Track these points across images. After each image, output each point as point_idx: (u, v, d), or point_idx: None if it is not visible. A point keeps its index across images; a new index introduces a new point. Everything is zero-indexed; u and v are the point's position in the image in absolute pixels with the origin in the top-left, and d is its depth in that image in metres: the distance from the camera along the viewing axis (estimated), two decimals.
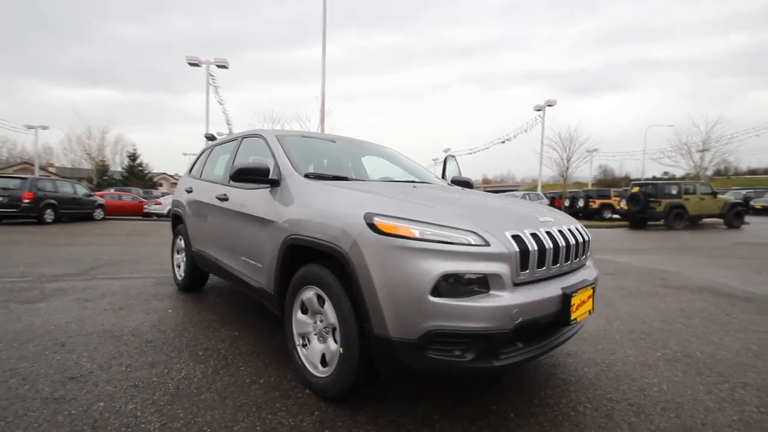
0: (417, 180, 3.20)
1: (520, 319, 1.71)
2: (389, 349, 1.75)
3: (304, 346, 2.26)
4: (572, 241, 2.11)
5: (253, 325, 3.21)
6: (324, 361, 2.10)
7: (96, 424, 1.81)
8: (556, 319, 1.89)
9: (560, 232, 2.07)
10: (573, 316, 1.93)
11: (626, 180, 47.97)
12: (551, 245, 1.94)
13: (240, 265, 2.92)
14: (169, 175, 74.79)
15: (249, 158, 3.43)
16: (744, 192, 23.81)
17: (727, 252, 8.22)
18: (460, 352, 1.70)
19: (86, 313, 3.41)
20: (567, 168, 23.10)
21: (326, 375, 2.06)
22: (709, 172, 34.18)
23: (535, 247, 1.86)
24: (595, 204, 19.98)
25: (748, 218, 16.04)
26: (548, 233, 1.99)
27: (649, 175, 45.62)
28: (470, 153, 37.61)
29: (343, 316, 1.92)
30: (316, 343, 2.17)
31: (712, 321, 3.52)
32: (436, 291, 1.68)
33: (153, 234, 11.05)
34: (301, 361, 2.24)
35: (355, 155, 3.50)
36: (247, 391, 2.16)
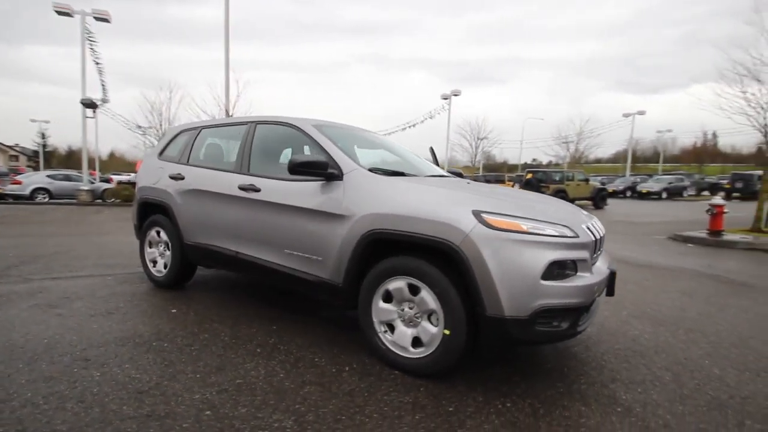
0: (437, 174, 3.46)
1: (597, 294, 2.17)
2: (501, 327, 2.05)
3: (385, 332, 2.42)
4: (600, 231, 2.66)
5: (280, 318, 3.16)
6: (418, 343, 2.30)
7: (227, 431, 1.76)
8: (606, 292, 2.42)
9: (593, 224, 2.59)
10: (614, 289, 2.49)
11: (506, 166, 54.37)
12: (600, 235, 2.45)
13: (283, 259, 2.85)
14: (6, 146, 59.92)
15: (273, 147, 3.29)
16: (599, 178, 29.27)
17: (609, 229, 10.30)
18: (557, 323, 2.10)
19: (71, 322, 2.93)
20: (476, 155, 25.34)
21: (422, 355, 2.27)
22: (568, 160, 41.01)
23: (596, 237, 2.34)
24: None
25: (610, 201, 19.98)
26: (593, 225, 2.49)
27: (523, 162, 52.57)
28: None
29: (448, 302, 2.15)
30: (404, 328, 2.35)
31: (641, 286, 4.59)
32: (545, 275, 2.03)
33: (30, 221, 9.16)
34: (386, 346, 2.39)
35: (374, 145, 3.59)
36: (343, 379, 2.25)
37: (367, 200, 2.46)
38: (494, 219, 2.09)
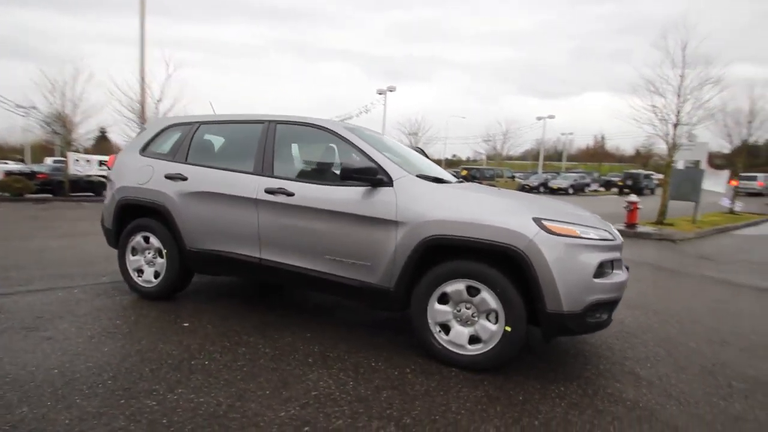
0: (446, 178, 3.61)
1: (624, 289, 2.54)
2: (559, 321, 2.31)
3: (440, 332, 2.54)
4: None
5: (307, 324, 3.09)
6: (475, 340, 2.46)
7: None
8: None
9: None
10: None
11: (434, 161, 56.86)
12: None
13: (322, 265, 2.79)
14: None
15: (301, 150, 3.16)
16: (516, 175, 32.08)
17: None
18: (600, 315, 2.42)
19: (71, 347, 2.55)
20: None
21: (481, 351, 2.44)
22: (484, 157, 44.32)
23: (620, 239, 2.72)
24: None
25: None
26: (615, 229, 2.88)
27: (444, 158, 55.51)
28: None
29: (509, 301, 2.34)
30: (460, 327, 2.50)
31: None
32: (595, 274, 2.32)
33: None
34: (442, 345, 2.52)
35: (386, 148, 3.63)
36: (412, 380, 2.32)
37: (424, 207, 2.53)
38: (553, 225, 2.33)
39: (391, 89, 24.23)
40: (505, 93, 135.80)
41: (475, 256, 2.46)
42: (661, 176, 29.24)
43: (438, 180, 2.89)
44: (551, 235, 2.30)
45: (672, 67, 9.00)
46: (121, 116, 12.55)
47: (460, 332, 2.50)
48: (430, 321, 2.55)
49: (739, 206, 12.59)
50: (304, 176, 2.94)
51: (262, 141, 3.12)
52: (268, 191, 2.93)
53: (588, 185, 28.17)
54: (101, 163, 15.26)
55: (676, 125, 9.03)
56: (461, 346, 2.49)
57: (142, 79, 13.72)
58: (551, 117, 32.31)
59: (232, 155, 3.36)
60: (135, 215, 3.52)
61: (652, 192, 24.43)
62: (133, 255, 3.54)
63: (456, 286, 2.47)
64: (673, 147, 9.21)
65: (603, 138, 57.78)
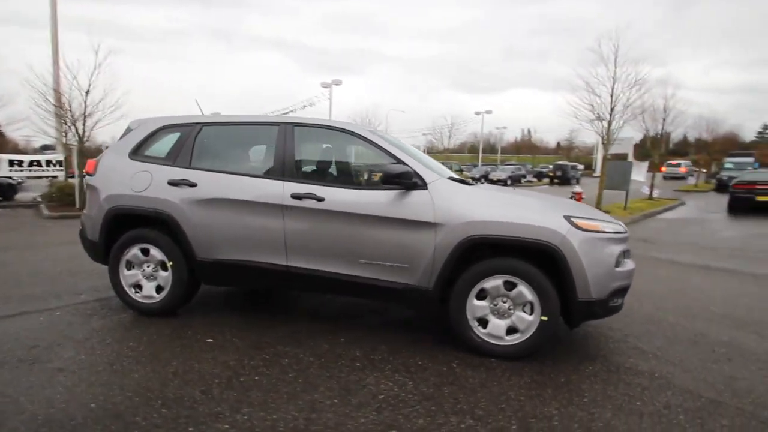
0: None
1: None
2: (588, 307, 2.57)
3: (478, 326, 2.69)
4: None
5: (336, 330, 3.08)
6: (512, 331, 2.65)
7: None
8: None
9: None
10: None
11: None
12: None
13: (357, 269, 2.80)
14: None
15: (324, 153, 3.10)
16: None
17: None
18: (617, 300, 2.72)
19: (92, 377, 2.32)
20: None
21: (518, 341, 2.63)
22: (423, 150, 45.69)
23: None
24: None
25: None
26: None
27: None
28: None
29: (545, 293, 2.56)
30: (497, 320, 2.67)
31: None
32: (616, 264, 2.62)
33: None
34: (481, 338, 2.68)
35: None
36: (462, 375, 2.45)
37: (462, 208, 2.65)
38: (581, 222, 2.58)
39: (337, 83, 23.97)
40: (440, 88, 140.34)
41: (511, 252, 2.64)
42: (582, 167, 32.64)
43: (460, 181, 3.03)
44: (580, 231, 2.55)
45: (606, 71, 10.05)
46: (39, 108, 11.05)
47: (498, 325, 2.67)
48: (469, 316, 2.69)
49: (656, 193, 14.45)
50: (331, 180, 2.91)
51: (280, 144, 3.02)
52: (295, 196, 2.86)
53: (524, 176, 30.30)
54: (12, 163, 13.33)
55: (610, 122, 10.14)
56: (500, 338, 2.66)
57: (56, 63, 12.13)
58: (489, 112, 34.33)
59: (244, 159, 3.20)
60: (129, 226, 3.22)
61: (578, 182, 26.95)
62: (129, 269, 3.24)
63: (494, 282, 2.63)
64: (608, 142, 10.34)
65: (530, 132, 62.34)
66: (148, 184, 3.13)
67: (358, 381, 2.35)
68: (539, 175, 31.35)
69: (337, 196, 2.82)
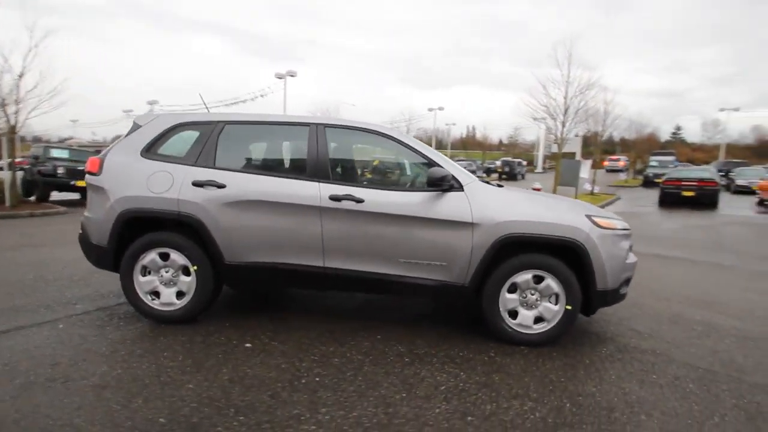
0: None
1: None
2: (604, 296, 2.90)
3: (509, 317, 2.92)
4: None
5: (367, 327, 3.16)
6: (539, 321, 2.91)
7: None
8: None
9: None
10: None
11: None
12: None
13: (397, 268, 2.90)
14: None
15: (358, 155, 3.13)
16: None
17: None
18: (624, 289, 3.09)
19: (141, 390, 2.22)
20: None
21: (545, 329, 2.90)
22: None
23: None
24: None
25: None
26: None
27: None
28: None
29: (570, 285, 2.84)
30: (526, 311, 2.92)
31: None
32: (626, 257, 2.97)
33: None
34: (513, 329, 2.91)
35: None
36: (500, 363, 2.66)
37: (497, 209, 2.85)
38: (599, 220, 2.89)
39: (292, 74, 23.29)
40: (388, 82, 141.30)
41: (539, 249, 2.89)
42: (525, 163, 34.95)
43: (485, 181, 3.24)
44: (599, 229, 2.86)
45: (560, 75, 10.90)
46: None
47: (527, 315, 2.92)
48: (501, 309, 2.91)
49: (596, 189, 15.92)
50: (365, 182, 2.98)
51: (312, 145, 3.01)
52: (334, 198, 2.88)
53: (475, 172, 31.64)
54: None
55: (564, 123, 11.03)
56: (528, 327, 2.92)
57: None
58: (441, 109, 35.31)
59: (274, 160, 3.15)
60: (145, 229, 3.04)
61: (523, 177, 28.76)
62: (144, 276, 3.06)
63: (524, 276, 2.87)
64: (562, 141, 11.25)
65: (474, 129, 65.05)
66: (170, 185, 2.98)
67: (414, 375, 2.47)
68: (488, 171, 32.97)
69: (376, 198, 2.90)
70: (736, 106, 36.59)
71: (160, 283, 3.07)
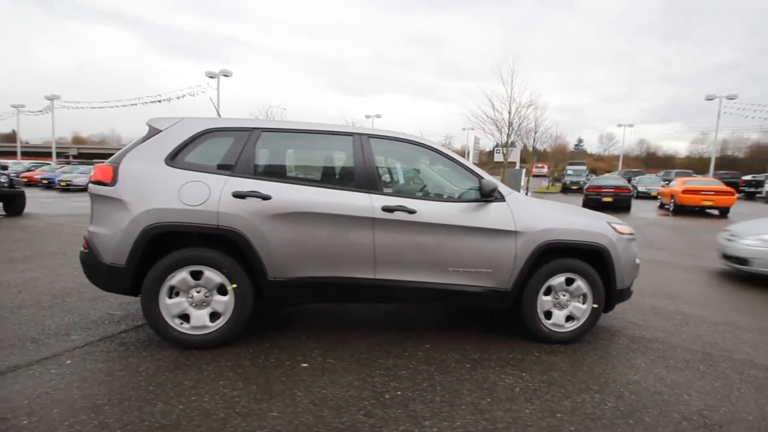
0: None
1: None
2: (621, 293, 3.27)
3: (544, 318, 3.16)
4: None
5: (408, 339, 3.18)
6: (570, 319, 3.18)
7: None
8: None
9: None
10: None
11: None
12: None
13: (445, 277, 2.97)
14: None
15: (405, 166, 3.13)
16: None
17: None
18: (632, 286, 3.50)
19: (224, 427, 2.00)
20: None
21: (575, 327, 3.18)
22: None
23: None
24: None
25: None
26: None
27: None
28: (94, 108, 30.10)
29: (596, 285, 3.16)
30: (558, 312, 3.18)
31: None
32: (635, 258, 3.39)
33: None
34: (548, 328, 3.15)
35: None
36: (548, 361, 2.87)
37: (536, 218, 3.07)
38: (617, 226, 3.26)
39: (227, 74, 21.95)
40: (316, 87, 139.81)
41: (572, 253, 3.17)
42: None
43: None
44: (618, 234, 3.23)
45: (505, 90, 11.88)
46: None
47: (559, 315, 3.18)
48: (538, 310, 3.13)
49: (528, 194, 17.52)
50: (413, 192, 3.00)
51: (358, 156, 2.97)
52: (386, 209, 2.87)
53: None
54: None
55: (509, 135, 12.02)
56: (561, 326, 3.18)
57: None
58: (378, 116, 35.87)
59: (317, 170, 3.03)
60: (173, 246, 2.73)
61: None
62: (172, 297, 2.75)
63: (558, 279, 3.13)
64: (507, 152, 12.22)
65: None
66: (206, 196, 2.72)
67: (484, 380, 2.57)
68: None
69: (430, 209, 2.95)
70: (630, 122, 42.66)
71: (191, 305, 2.78)
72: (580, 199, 16.44)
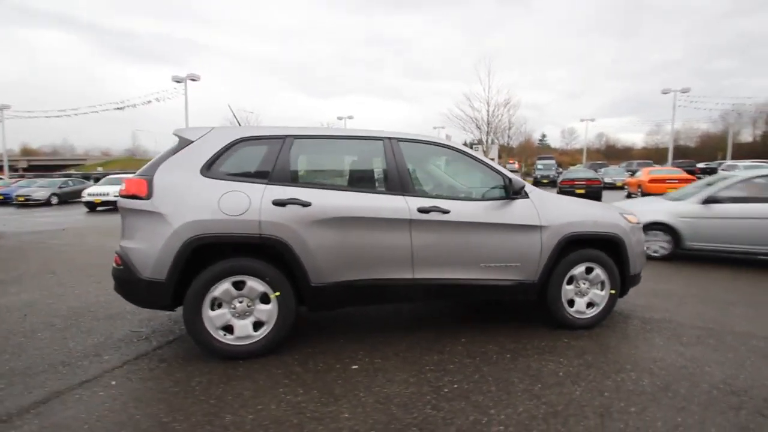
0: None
1: None
2: (634, 279, 3.52)
3: (567, 306, 3.35)
4: None
5: (443, 336, 3.29)
6: (590, 306, 3.39)
7: None
8: None
9: None
10: None
11: None
12: None
13: (477, 273, 3.10)
14: None
15: (432, 168, 3.23)
16: None
17: None
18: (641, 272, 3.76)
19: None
20: None
21: (595, 313, 3.39)
22: None
23: None
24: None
25: None
26: None
27: None
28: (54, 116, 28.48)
29: (613, 272, 3.38)
30: (579, 299, 3.38)
31: None
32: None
33: None
34: (572, 316, 3.34)
35: None
36: (581, 346, 3.06)
37: (558, 212, 3.25)
38: (628, 217, 3.50)
39: (194, 78, 21.19)
40: (280, 89, 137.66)
41: (591, 244, 3.37)
42: None
43: None
44: (629, 224, 3.47)
45: (483, 91, 12.26)
46: None
47: (581, 302, 3.38)
48: (563, 299, 3.32)
49: None
50: (443, 193, 3.11)
51: (390, 159, 3.05)
52: (422, 210, 2.96)
53: None
54: None
55: (488, 133, 12.39)
56: (583, 313, 3.38)
57: None
58: (351, 117, 35.74)
59: (351, 174, 3.07)
60: (211, 257, 2.71)
61: None
62: (214, 309, 2.73)
63: (580, 269, 3.33)
64: (487, 149, 12.59)
65: None
66: (247, 205, 2.71)
67: (528, 367, 2.71)
68: None
69: (459, 208, 3.06)
70: (591, 117, 44.78)
71: (233, 315, 2.77)
72: (552, 192, 17.17)
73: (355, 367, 2.72)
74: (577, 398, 2.33)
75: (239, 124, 3.37)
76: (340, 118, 35.23)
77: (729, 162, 23.66)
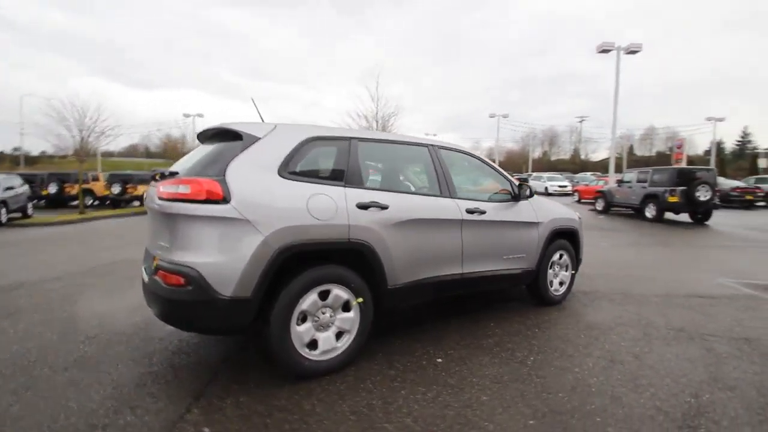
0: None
1: None
2: (580, 261, 4.60)
3: (550, 287, 4.17)
4: None
5: (454, 330, 3.66)
6: (561, 284, 4.28)
7: None
8: None
9: None
10: None
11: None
12: None
13: (502, 264, 3.60)
14: None
15: (464, 172, 3.54)
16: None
17: None
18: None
19: None
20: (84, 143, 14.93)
21: (564, 290, 4.31)
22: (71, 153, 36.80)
23: None
24: (74, 189, 17.43)
25: None
26: None
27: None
28: None
29: (573, 257, 4.37)
30: (555, 280, 4.24)
31: None
32: None
33: None
34: (553, 294, 4.17)
35: None
36: (586, 332, 3.88)
37: (546, 211, 4.03)
38: (577, 214, 4.56)
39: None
40: (73, 74, 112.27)
41: (562, 236, 4.26)
42: None
43: None
44: (579, 219, 4.54)
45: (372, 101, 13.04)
46: None
47: (555, 283, 4.26)
48: (548, 282, 4.12)
49: None
50: (473, 195, 3.49)
51: (437, 164, 3.28)
52: (469, 211, 3.29)
53: None
54: None
55: None
56: (557, 291, 4.26)
57: None
58: (200, 116, 31.64)
59: (406, 178, 3.13)
60: (301, 266, 2.46)
61: None
62: (301, 324, 2.47)
63: (556, 256, 4.19)
64: None
65: None
66: (334, 209, 2.55)
67: (557, 348, 3.33)
68: None
69: (494, 209, 3.52)
70: (431, 132, 51.50)
71: (316, 328, 2.57)
72: None
73: (440, 360, 2.86)
74: (606, 382, 3.07)
75: (262, 120, 3.06)
76: (187, 116, 31.21)
77: (535, 174, 31.18)
